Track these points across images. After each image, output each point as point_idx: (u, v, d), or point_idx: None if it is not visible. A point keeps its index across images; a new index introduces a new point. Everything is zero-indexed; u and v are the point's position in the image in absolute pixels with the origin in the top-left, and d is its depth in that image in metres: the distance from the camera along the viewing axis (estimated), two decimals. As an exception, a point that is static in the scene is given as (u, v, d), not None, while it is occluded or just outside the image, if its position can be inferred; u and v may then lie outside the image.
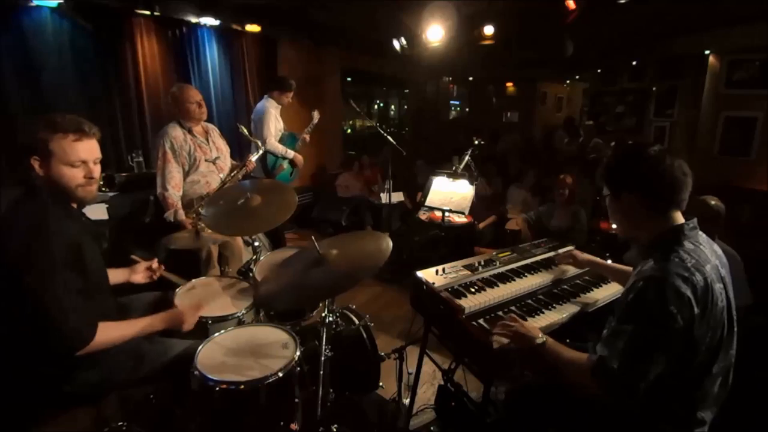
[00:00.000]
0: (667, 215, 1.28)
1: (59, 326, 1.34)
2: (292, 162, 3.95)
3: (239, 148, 4.23)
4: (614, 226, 3.54)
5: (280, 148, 3.81)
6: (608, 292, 1.86)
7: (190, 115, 2.76)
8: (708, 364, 1.23)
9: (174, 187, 2.69)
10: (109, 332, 1.47)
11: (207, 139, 2.86)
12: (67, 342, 1.37)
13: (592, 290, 1.86)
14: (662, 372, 1.17)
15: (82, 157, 1.46)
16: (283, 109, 3.94)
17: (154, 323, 1.61)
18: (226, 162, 2.97)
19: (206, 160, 2.80)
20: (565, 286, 1.90)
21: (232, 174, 2.83)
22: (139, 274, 1.92)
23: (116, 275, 1.86)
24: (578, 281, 1.96)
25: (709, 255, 1.26)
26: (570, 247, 2.21)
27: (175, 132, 2.71)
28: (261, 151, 3.07)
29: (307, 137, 4.05)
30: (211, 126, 2.97)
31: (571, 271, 2.01)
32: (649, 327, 1.16)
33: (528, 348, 1.39)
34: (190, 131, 2.76)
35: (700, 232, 1.31)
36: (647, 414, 1.27)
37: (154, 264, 1.94)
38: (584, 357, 1.27)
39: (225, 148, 3.00)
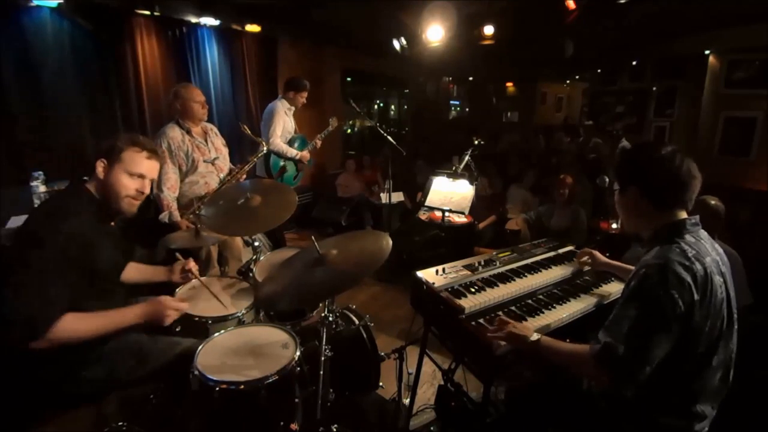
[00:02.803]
0: (671, 212, 1.31)
1: (22, 309, 1.31)
2: (297, 165, 3.93)
3: (239, 149, 4.22)
4: (614, 226, 3.56)
5: (285, 148, 3.78)
6: (609, 291, 1.86)
7: (194, 114, 2.76)
8: (707, 356, 1.25)
9: (169, 188, 2.68)
10: (76, 324, 1.41)
11: (205, 140, 2.85)
12: (21, 330, 1.32)
13: (593, 290, 1.86)
14: (663, 360, 1.19)
15: (143, 171, 1.60)
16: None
17: (127, 315, 1.55)
18: (226, 162, 2.97)
19: (204, 161, 2.80)
20: (566, 286, 1.90)
21: (231, 175, 2.82)
22: (176, 275, 1.98)
23: (158, 274, 1.95)
24: (578, 281, 1.95)
25: (709, 249, 1.29)
26: (570, 247, 2.21)
27: (173, 132, 2.71)
28: (263, 151, 3.05)
29: (319, 143, 4.02)
30: (209, 126, 2.96)
31: (571, 271, 2.01)
32: (651, 310, 1.18)
33: (524, 347, 1.39)
34: (188, 132, 2.75)
35: (702, 230, 1.34)
36: (647, 406, 1.27)
37: (189, 265, 1.98)
38: (585, 347, 1.28)
39: (224, 149, 2.99)
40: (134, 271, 1.93)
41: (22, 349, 1.41)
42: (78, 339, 1.42)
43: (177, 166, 2.72)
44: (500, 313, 1.65)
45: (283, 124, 3.78)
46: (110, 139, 1.59)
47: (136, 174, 1.59)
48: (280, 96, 3.87)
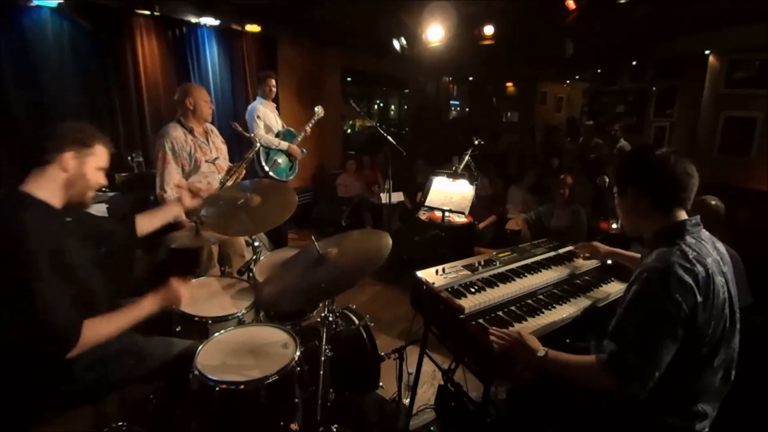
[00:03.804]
0: (670, 213, 1.32)
1: (46, 330, 1.30)
2: (289, 156, 4.01)
3: (239, 148, 4.23)
4: (614, 226, 3.56)
5: (270, 140, 3.88)
6: (609, 291, 1.86)
7: (202, 114, 2.78)
8: (709, 356, 1.25)
9: (173, 188, 2.68)
10: (98, 328, 1.40)
11: (207, 140, 2.86)
12: (55, 345, 1.33)
13: (593, 290, 1.86)
14: (669, 361, 1.19)
15: (106, 164, 1.59)
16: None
17: (144, 306, 1.53)
18: (226, 161, 2.98)
19: (206, 161, 2.80)
20: (566, 286, 1.90)
21: (230, 174, 2.84)
22: (187, 200, 2.05)
23: (170, 211, 1.96)
24: (578, 281, 1.96)
25: (710, 250, 1.29)
26: (570, 247, 2.21)
27: (176, 132, 2.70)
28: (257, 147, 3.07)
29: (308, 130, 4.11)
30: (210, 126, 2.97)
31: (571, 271, 2.01)
32: (656, 314, 1.18)
33: (531, 361, 1.37)
34: (191, 131, 2.75)
35: (703, 230, 1.34)
36: (648, 406, 1.27)
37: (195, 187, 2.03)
38: (592, 358, 1.28)
39: (223, 148, 3.00)
40: (147, 221, 1.92)
41: (19, 352, 1.40)
42: (102, 340, 1.42)
43: (180, 166, 2.71)
44: (500, 313, 1.65)
45: (263, 120, 3.89)
46: (70, 129, 1.49)
47: (103, 168, 1.58)
48: (257, 96, 4.02)
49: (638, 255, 1.82)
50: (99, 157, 1.54)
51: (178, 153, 2.69)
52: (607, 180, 3.25)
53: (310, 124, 4.11)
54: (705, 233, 1.34)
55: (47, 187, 1.44)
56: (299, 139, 4.08)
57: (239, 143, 4.25)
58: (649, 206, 1.33)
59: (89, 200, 1.58)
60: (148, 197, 3.23)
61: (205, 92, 2.81)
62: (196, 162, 2.75)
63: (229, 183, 2.78)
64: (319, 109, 4.10)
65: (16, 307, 1.29)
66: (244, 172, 2.94)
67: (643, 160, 1.37)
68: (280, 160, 3.96)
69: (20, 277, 1.28)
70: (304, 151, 4.16)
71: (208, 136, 2.89)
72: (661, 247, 1.28)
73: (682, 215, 1.32)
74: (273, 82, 3.95)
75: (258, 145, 3.01)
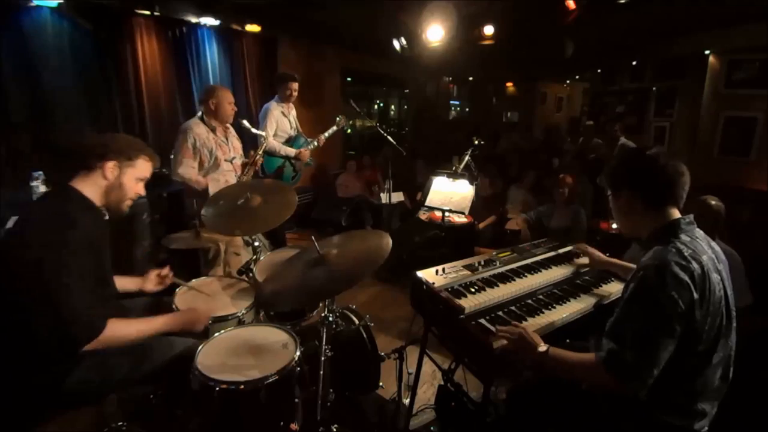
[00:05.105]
0: (664, 211, 1.33)
1: (71, 316, 1.35)
2: (294, 165, 3.89)
3: (246, 147, 4.24)
4: (614, 226, 3.56)
5: (277, 146, 3.73)
6: (609, 291, 1.86)
7: (224, 115, 2.84)
8: (708, 354, 1.25)
9: (185, 175, 2.75)
10: (121, 328, 1.48)
11: (227, 139, 2.91)
12: (76, 333, 1.37)
13: (593, 290, 1.86)
14: (667, 359, 1.19)
15: (147, 175, 1.69)
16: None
17: (169, 322, 1.64)
18: (241, 160, 3.05)
19: (225, 160, 2.86)
20: (566, 286, 1.90)
21: (245, 171, 2.88)
22: (150, 283, 1.96)
23: (128, 284, 1.90)
24: (578, 281, 1.95)
25: (705, 248, 1.31)
26: (570, 247, 2.21)
27: (199, 129, 2.76)
28: (265, 143, 3.09)
29: (323, 140, 3.95)
30: (227, 126, 3.01)
31: (571, 271, 2.01)
32: (653, 312, 1.19)
33: (533, 357, 1.38)
34: (213, 130, 2.80)
35: (697, 229, 1.35)
36: (648, 405, 1.27)
37: (165, 271, 1.99)
38: (591, 356, 1.28)
39: (240, 148, 3.08)
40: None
41: (22, 347, 1.41)
42: (120, 342, 1.48)
43: (198, 161, 2.77)
44: (500, 313, 1.65)
45: (276, 123, 3.76)
46: (117, 140, 1.62)
47: (143, 178, 1.67)
48: (275, 96, 3.87)
49: (633, 265, 1.82)
50: (139, 169, 1.64)
51: (199, 149, 2.75)
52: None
53: (327, 134, 3.93)
54: (699, 231, 1.35)
55: (89, 190, 1.55)
56: (310, 147, 3.91)
57: (243, 142, 4.25)
58: (643, 206, 1.35)
59: (125, 208, 1.66)
60: (159, 195, 3.28)
61: (230, 94, 2.86)
62: (216, 160, 2.82)
63: (244, 178, 2.88)
64: (340, 120, 3.91)
65: (54, 290, 1.34)
66: (261, 161, 3.00)
67: (633, 161, 1.40)
68: (285, 167, 3.88)
69: (62, 264, 1.35)
70: (312, 160, 4.01)
71: (228, 136, 2.94)
72: (656, 245, 1.29)
73: (676, 214, 1.33)
74: (295, 86, 3.73)
75: (264, 141, 3.05)
